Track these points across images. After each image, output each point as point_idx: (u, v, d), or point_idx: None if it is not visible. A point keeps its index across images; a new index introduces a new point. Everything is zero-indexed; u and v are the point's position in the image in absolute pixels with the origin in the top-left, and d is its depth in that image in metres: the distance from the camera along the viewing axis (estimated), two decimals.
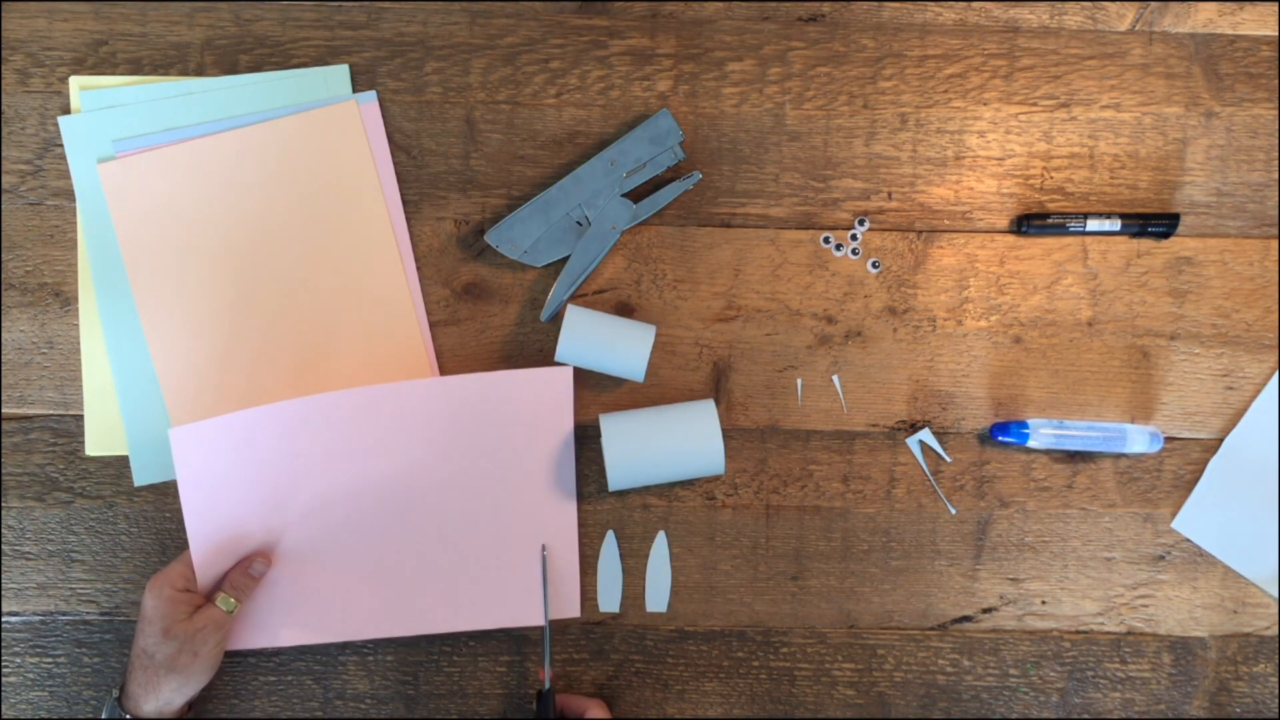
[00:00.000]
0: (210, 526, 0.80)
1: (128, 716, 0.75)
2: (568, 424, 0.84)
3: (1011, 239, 0.88)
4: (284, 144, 0.85)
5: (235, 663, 0.86)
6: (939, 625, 0.88)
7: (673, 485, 0.87)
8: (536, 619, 0.84)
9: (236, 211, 0.85)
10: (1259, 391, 0.88)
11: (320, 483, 0.81)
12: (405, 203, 0.86)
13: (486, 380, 0.82)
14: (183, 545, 0.85)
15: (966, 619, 0.88)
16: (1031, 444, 0.85)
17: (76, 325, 0.85)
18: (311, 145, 0.85)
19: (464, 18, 0.87)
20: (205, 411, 0.85)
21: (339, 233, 0.86)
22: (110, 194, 0.85)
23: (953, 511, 0.88)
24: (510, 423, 0.83)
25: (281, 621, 0.83)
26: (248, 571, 0.79)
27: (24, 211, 0.85)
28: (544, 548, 0.84)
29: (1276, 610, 0.88)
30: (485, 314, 0.87)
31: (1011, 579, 0.88)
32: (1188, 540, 0.88)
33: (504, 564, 0.84)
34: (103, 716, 0.77)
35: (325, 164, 0.86)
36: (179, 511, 0.85)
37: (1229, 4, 0.88)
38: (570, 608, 0.85)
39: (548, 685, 0.81)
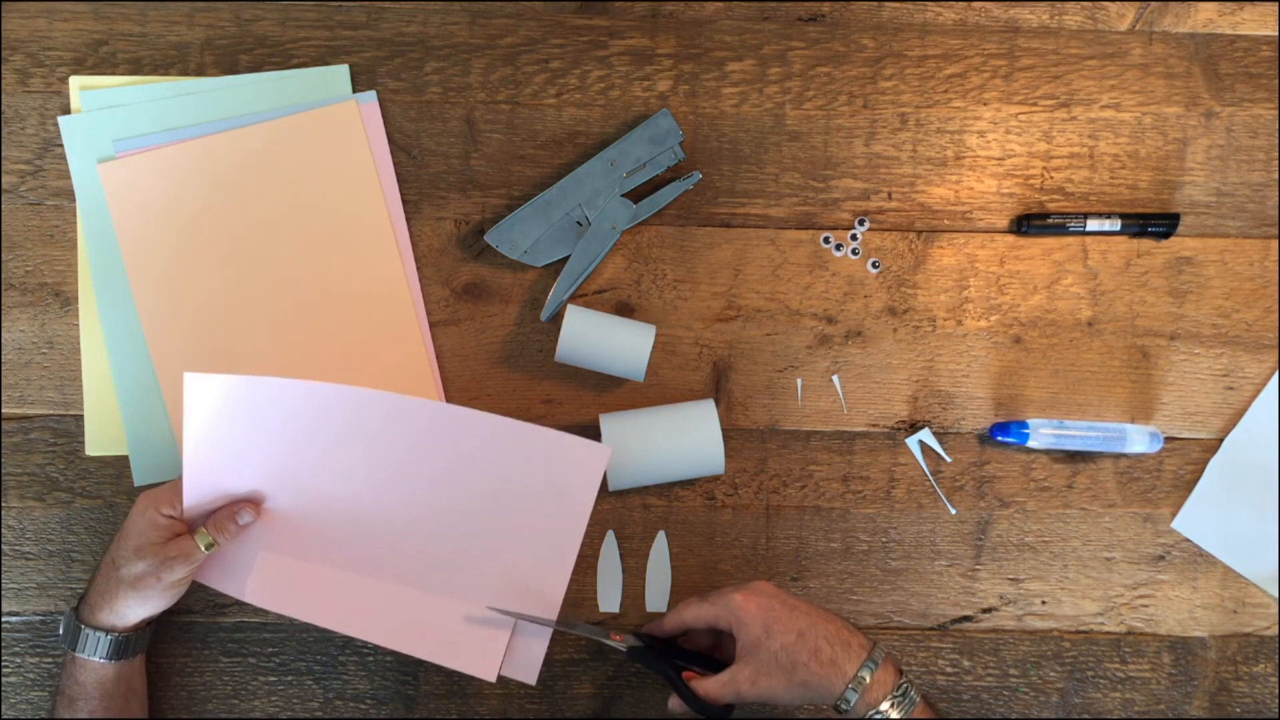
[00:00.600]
0: (205, 480, 0.79)
1: (82, 625, 0.75)
2: (589, 501, 0.80)
3: (1011, 239, 0.88)
4: (284, 144, 0.85)
5: (235, 662, 0.86)
6: (939, 625, 0.88)
7: (673, 485, 0.87)
8: (489, 673, 0.82)
9: (236, 211, 0.85)
10: (1259, 391, 0.88)
11: (323, 470, 0.79)
12: (405, 203, 0.86)
13: (523, 430, 0.78)
14: None
15: (966, 619, 0.88)
16: (1031, 444, 0.85)
17: (76, 325, 0.85)
18: (311, 145, 0.85)
19: (464, 18, 0.87)
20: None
21: (339, 233, 0.86)
22: (110, 194, 0.85)
23: (953, 511, 0.88)
24: (533, 479, 0.80)
25: (252, 577, 0.81)
26: (234, 516, 0.78)
27: (24, 211, 0.85)
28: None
29: (1276, 610, 0.88)
30: (485, 314, 0.87)
31: (1011, 579, 0.88)
32: (1188, 540, 0.88)
33: (476, 611, 0.82)
34: (61, 637, 0.77)
35: (325, 164, 0.86)
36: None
37: (1229, 4, 0.88)
38: (529, 673, 0.83)
39: (636, 639, 0.77)
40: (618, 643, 0.78)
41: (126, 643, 0.76)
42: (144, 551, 0.74)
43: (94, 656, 0.75)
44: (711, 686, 0.71)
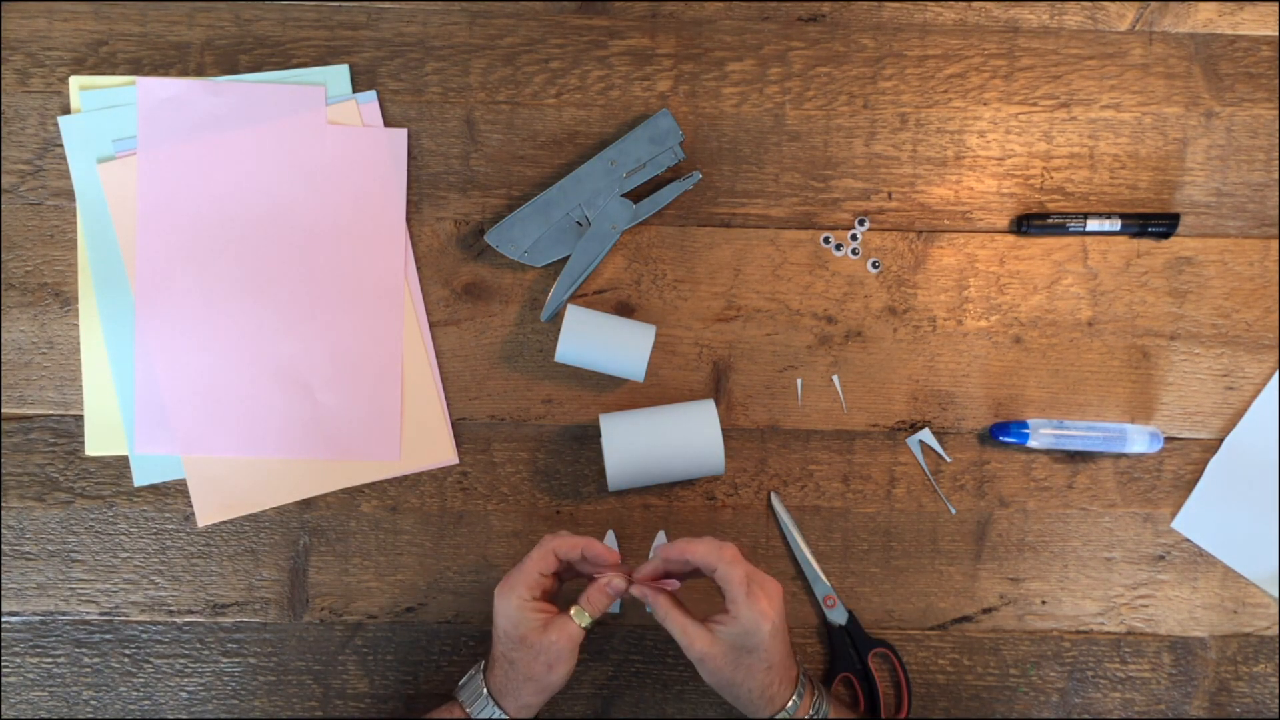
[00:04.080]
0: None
1: (491, 698, 0.74)
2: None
3: (1011, 239, 0.88)
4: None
5: (235, 662, 0.86)
6: (939, 625, 0.88)
7: (673, 485, 0.87)
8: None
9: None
10: (1259, 391, 0.88)
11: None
12: (405, 203, 0.86)
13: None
14: (182, 548, 0.85)
15: (966, 619, 0.88)
16: (1031, 444, 0.85)
17: (76, 325, 0.85)
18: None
19: (464, 18, 0.87)
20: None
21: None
22: (110, 194, 0.85)
23: (953, 511, 0.88)
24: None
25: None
26: (604, 590, 0.74)
27: (24, 211, 0.85)
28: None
29: (1276, 610, 0.88)
30: (485, 314, 0.87)
31: (1011, 579, 0.88)
32: (1188, 540, 0.88)
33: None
34: (463, 686, 0.76)
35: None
36: (179, 512, 0.86)
37: (1229, 4, 0.88)
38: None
39: (845, 619, 0.85)
40: (829, 607, 0.86)
41: None
42: (528, 641, 0.72)
43: None
44: (696, 637, 0.71)
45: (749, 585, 0.70)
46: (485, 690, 0.74)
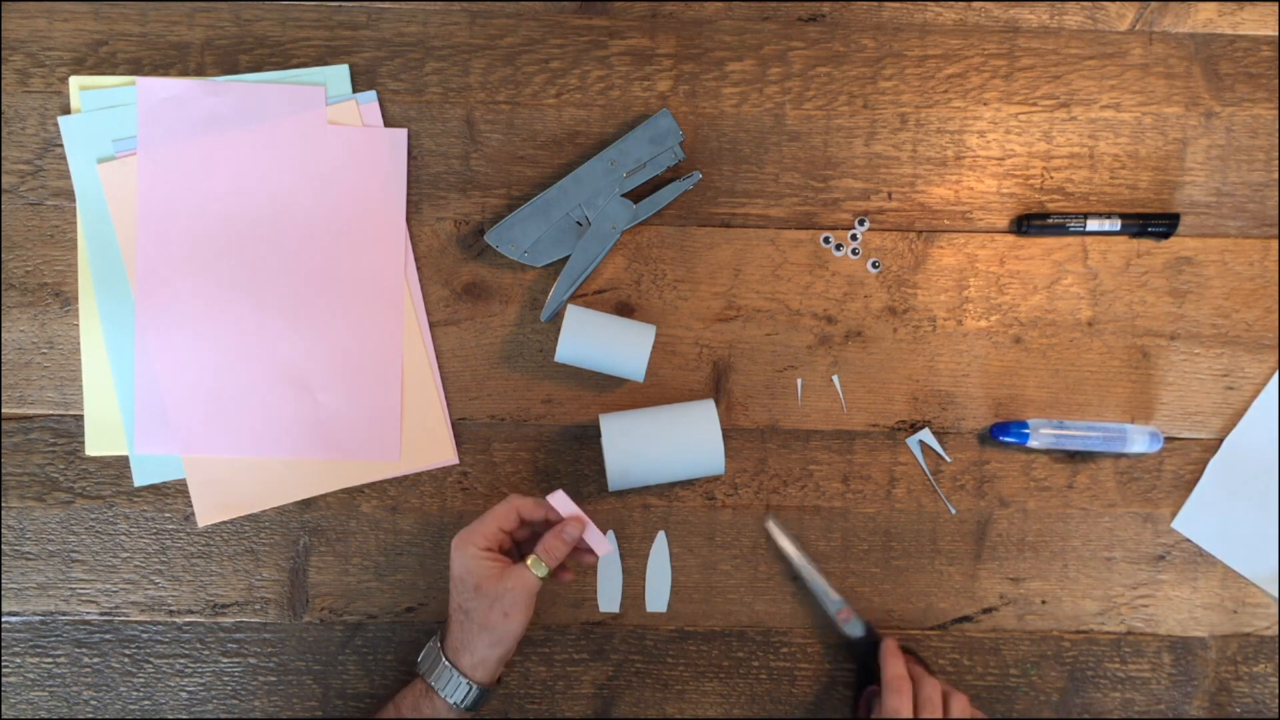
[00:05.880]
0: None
1: (449, 664, 0.74)
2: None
3: (1011, 239, 0.88)
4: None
5: (235, 662, 0.86)
6: (939, 625, 0.88)
7: (673, 485, 0.87)
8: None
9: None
10: (1259, 391, 0.88)
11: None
12: (405, 203, 0.86)
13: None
14: (182, 548, 0.85)
15: (966, 619, 0.88)
16: (1031, 444, 0.85)
17: (76, 325, 0.85)
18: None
19: (464, 18, 0.87)
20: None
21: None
22: (110, 194, 0.85)
23: (953, 511, 0.88)
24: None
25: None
26: (561, 535, 0.75)
27: (24, 211, 0.85)
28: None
29: (1276, 610, 0.88)
30: (485, 314, 0.87)
31: (1011, 579, 0.88)
32: (1188, 540, 0.88)
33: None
34: (422, 660, 0.76)
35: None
36: (179, 511, 0.86)
37: (1229, 4, 0.88)
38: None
39: (862, 631, 0.84)
40: (844, 622, 0.84)
41: (484, 696, 0.75)
42: (483, 589, 0.73)
43: (453, 699, 0.74)
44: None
45: (899, 684, 0.77)
46: (441, 652, 0.75)
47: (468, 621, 0.74)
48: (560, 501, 0.76)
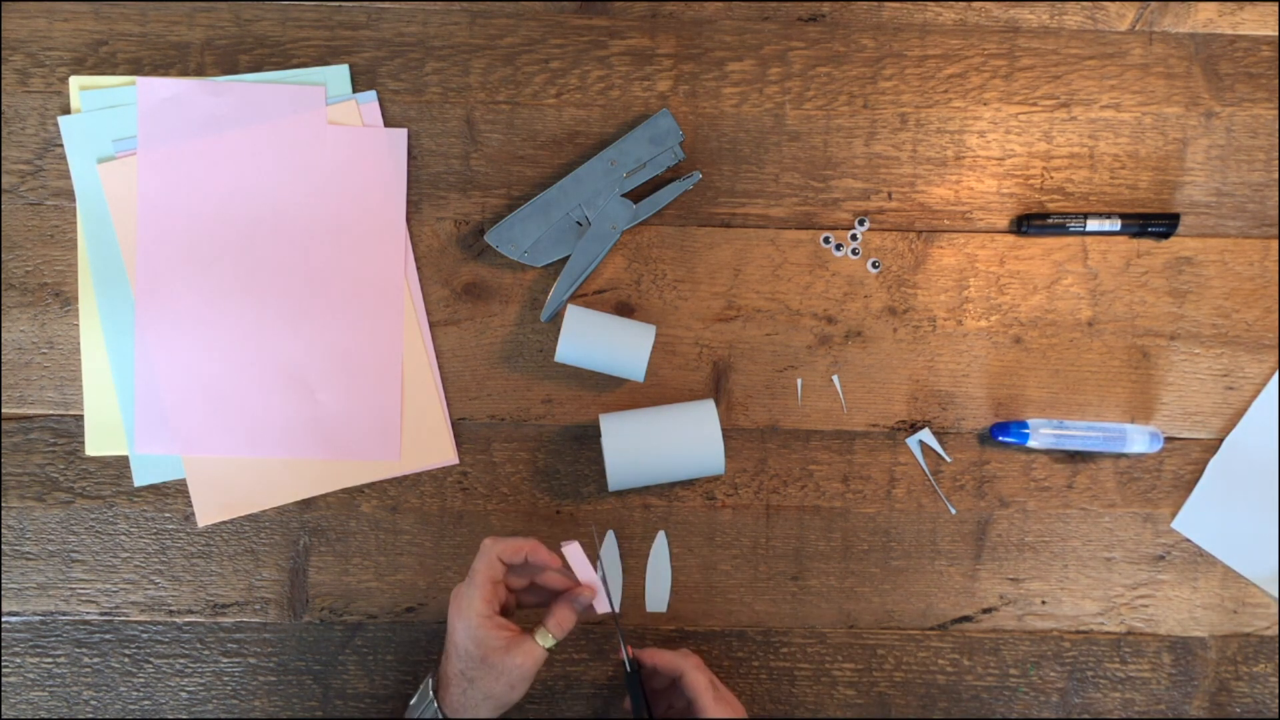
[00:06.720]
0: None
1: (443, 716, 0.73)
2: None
3: (1011, 239, 0.88)
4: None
5: (235, 662, 0.86)
6: (939, 625, 0.88)
7: (673, 485, 0.87)
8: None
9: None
10: (1259, 391, 0.88)
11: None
12: (405, 203, 0.86)
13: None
14: (182, 548, 0.85)
15: (966, 619, 0.88)
16: (1031, 444, 0.85)
17: (76, 325, 0.85)
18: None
19: (464, 18, 0.87)
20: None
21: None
22: (110, 194, 0.85)
23: (953, 511, 0.88)
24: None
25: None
26: (572, 605, 0.73)
27: (24, 211, 0.85)
28: (595, 532, 0.85)
29: (1276, 610, 0.88)
30: (485, 314, 0.87)
31: (1011, 579, 0.88)
32: (1188, 540, 0.88)
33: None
34: (416, 702, 0.75)
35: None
36: (179, 511, 0.86)
37: (1229, 4, 0.88)
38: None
39: (630, 667, 0.76)
40: (628, 657, 0.77)
41: None
42: (489, 661, 0.71)
43: None
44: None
45: (715, 690, 0.75)
46: (439, 711, 0.73)
47: (471, 689, 0.72)
48: (574, 555, 0.74)
